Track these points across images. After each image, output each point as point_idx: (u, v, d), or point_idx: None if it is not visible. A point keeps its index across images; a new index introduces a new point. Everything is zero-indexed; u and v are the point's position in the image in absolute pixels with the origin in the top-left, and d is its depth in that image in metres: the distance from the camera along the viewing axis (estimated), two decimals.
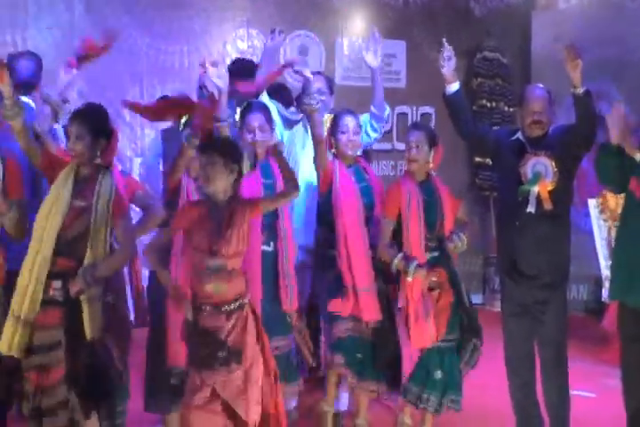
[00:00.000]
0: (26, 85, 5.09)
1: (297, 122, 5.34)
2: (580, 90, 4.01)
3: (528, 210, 4.19)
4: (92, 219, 3.75)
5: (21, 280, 3.70)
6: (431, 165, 4.60)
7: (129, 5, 6.98)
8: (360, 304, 4.50)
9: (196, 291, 3.69)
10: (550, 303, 4.26)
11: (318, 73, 5.70)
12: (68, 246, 3.74)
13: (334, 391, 4.75)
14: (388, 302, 4.60)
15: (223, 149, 3.79)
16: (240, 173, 3.81)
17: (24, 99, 4.76)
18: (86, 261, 3.70)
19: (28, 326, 3.69)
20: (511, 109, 7.87)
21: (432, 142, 4.56)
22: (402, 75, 7.95)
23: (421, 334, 4.41)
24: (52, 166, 3.80)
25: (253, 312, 3.77)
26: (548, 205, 4.16)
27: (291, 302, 4.44)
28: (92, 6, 6.86)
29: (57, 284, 3.71)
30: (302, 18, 7.57)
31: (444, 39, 4.44)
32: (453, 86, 4.49)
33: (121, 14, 6.91)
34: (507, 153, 4.38)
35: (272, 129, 4.61)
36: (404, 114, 7.75)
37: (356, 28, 7.81)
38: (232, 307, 3.66)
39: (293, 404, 4.62)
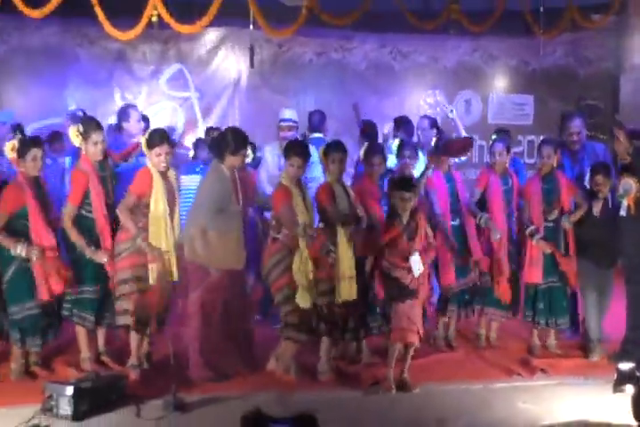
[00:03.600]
0: (317, 128, 5.74)
1: None
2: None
3: (621, 213, 4.32)
4: None
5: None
6: (555, 164, 4.70)
7: (362, 75, 7.57)
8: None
9: (396, 264, 4.04)
10: None
11: (424, 116, 5.93)
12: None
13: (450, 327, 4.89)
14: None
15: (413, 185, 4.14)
16: None
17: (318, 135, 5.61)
18: None
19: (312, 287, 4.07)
20: (604, 137, 7.94)
21: (555, 149, 4.70)
22: (530, 116, 8.04)
23: (535, 273, 4.61)
24: None
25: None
26: (632, 211, 4.26)
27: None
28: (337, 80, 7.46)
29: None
30: (467, 81, 7.91)
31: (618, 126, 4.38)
32: None
33: (358, 82, 7.52)
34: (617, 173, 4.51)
35: None
36: (532, 141, 7.75)
37: (501, 87, 8.05)
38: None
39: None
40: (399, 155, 4.77)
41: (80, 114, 5.37)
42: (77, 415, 3.62)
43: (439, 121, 6.58)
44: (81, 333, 4.33)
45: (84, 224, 4.19)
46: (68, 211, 4.18)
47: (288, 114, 5.50)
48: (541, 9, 6.31)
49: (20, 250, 4.00)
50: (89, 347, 4.38)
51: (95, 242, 4.20)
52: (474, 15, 6.19)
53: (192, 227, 4.11)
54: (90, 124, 4.28)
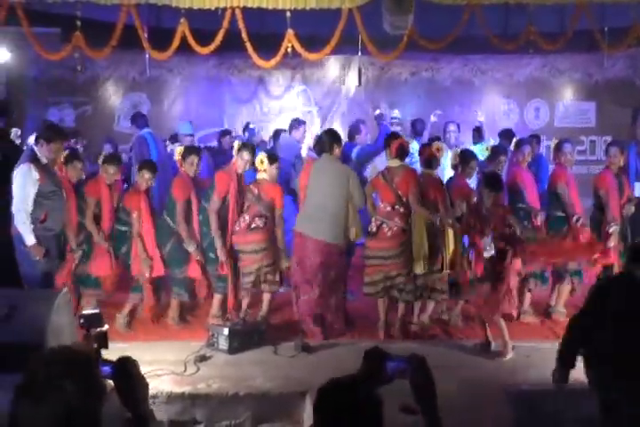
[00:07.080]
0: (419, 133, 5.52)
1: None
2: None
3: None
4: None
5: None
6: (621, 163, 4.40)
7: (448, 89, 7.14)
8: None
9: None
10: None
11: (451, 121, 5.57)
12: None
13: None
14: None
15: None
16: None
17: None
18: None
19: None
20: None
21: (622, 150, 4.37)
22: (592, 120, 7.31)
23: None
24: None
25: None
26: None
27: None
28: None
29: None
30: (537, 91, 7.31)
31: None
32: None
33: (444, 95, 7.08)
34: None
35: None
36: (593, 141, 7.22)
37: (567, 96, 7.35)
38: None
39: None
40: (493, 158, 4.44)
41: (252, 127, 5.70)
42: (231, 350, 3.70)
43: (511, 125, 6.28)
44: (217, 298, 4.24)
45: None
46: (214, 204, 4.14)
47: (396, 113, 5.84)
48: (606, 29, 5.80)
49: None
50: (220, 308, 4.26)
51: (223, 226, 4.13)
52: (545, 35, 5.73)
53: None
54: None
